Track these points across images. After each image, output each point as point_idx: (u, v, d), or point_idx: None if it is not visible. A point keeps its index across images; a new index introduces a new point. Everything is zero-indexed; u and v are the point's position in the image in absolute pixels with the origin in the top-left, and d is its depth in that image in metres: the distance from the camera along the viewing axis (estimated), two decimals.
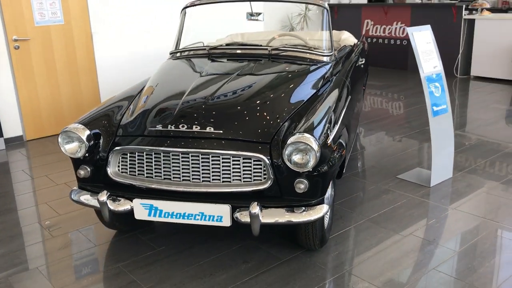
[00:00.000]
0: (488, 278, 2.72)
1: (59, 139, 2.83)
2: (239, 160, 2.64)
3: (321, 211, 2.63)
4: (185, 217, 2.70)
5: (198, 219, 2.69)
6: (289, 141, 2.51)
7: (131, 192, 2.80)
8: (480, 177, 4.11)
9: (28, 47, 5.38)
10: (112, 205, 2.76)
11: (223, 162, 2.66)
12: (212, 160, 2.66)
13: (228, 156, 2.64)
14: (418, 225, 3.34)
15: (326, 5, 3.74)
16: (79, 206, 3.78)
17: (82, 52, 5.78)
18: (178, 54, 3.93)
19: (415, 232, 3.24)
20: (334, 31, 4.83)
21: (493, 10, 8.88)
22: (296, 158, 2.51)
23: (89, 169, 2.86)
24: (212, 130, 2.68)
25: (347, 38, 4.81)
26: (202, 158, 2.67)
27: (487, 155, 4.64)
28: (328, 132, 2.68)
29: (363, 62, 4.42)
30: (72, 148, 2.82)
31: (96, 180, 2.89)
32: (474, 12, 8.52)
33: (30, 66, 5.43)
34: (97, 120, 2.94)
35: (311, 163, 2.48)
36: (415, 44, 3.80)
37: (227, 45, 3.82)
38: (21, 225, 3.53)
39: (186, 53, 3.89)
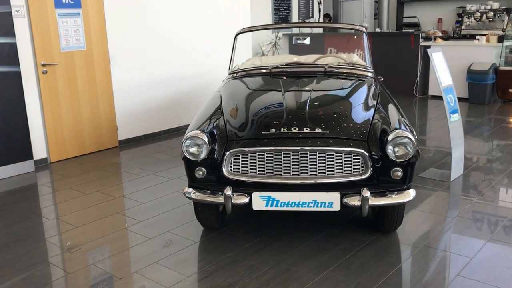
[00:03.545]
0: None
1: (185, 144, 3.22)
2: (341, 155, 3.18)
3: (412, 194, 3.22)
4: (299, 205, 3.18)
5: (311, 206, 3.17)
6: (390, 137, 3.10)
7: (241, 187, 3.24)
8: (484, 173, 4.92)
9: (54, 72, 5.58)
10: (233, 199, 3.18)
11: (328, 157, 3.18)
12: (319, 156, 3.17)
13: (332, 152, 3.17)
14: (459, 209, 4.03)
15: (364, 29, 4.43)
16: (157, 212, 4.13)
17: (101, 76, 6.05)
18: (235, 74, 4.42)
19: (461, 214, 3.93)
20: (346, 54, 5.53)
21: (443, 38, 10.12)
22: (399, 150, 3.10)
23: (204, 170, 3.27)
24: (320, 131, 3.21)
25: (358, 60, 5.53)
26: (310, 154, 3.17)
27: (477, 157, 5.50)
28: (411, 130, 3.30)
29: (382, 79, 5.14)
30: (195, 151, 3.22)
31: (208, 180, 3.29)
32: (427, 40, 9.69)
33: (56, 90, 5.62)
34: (210, 127, 3.36)
35: (411, 153, 3.08)
36: (434, 62, 4.57)
37: (286, 64, 4.37)
38: (110, 230, 3.80)
39: (243, 73, 4.41)
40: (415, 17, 12.33)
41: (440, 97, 9.12)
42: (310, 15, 11.91)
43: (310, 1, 11.89)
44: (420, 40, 9.34)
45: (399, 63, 9.45)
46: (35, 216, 4.18)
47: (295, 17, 11.48)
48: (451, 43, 9.23)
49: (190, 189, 3.35)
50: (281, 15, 11.08)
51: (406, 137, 3.09)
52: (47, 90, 5.55)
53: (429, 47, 9.24)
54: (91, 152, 6.11)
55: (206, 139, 3.21)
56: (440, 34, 9.48)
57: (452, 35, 11.60)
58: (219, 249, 3.45)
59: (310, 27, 4.35)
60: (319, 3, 12.11)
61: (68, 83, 5.73)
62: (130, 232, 3.78)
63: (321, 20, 12.25)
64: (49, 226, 3.96)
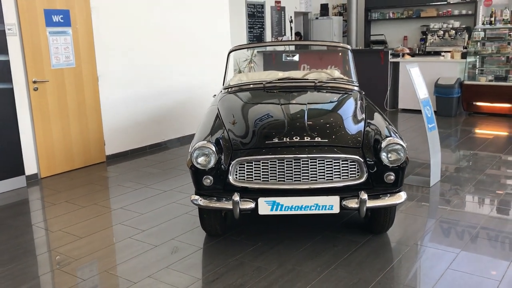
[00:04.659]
0: None
1: (194, 155, 3.42)
2: (339, 161, 3.45)
3: (403, 196, 3.52)
4: (302, 209, 3.42)
5: (313, 209, 3.42)
6: (383, 144, 3.39)
7: (246, 193, 3.46)
8: (459, 179, 5.31)
9: (45, 88, 5.68)
10: (240, 205, 3.40)
11: (326, 164, 3.45)
12: (319, 163, 3.43)
13: (331, 159, 3.44)
14: (441, 211, 4.36)
15: (349, 47, 4.76)
16: (158, 221, 4.29)
17: (89, 92, 6.17)
18: (229, 89, 4.67)
19: (443, 216, 4.26)
20: (330, 70, 5.86)
21: (410, 54, 10.67)
22: (391, 155, 3.40)
23: (212, 178, 3.47)
24: (319, 139, 3.48)
25: (340, 75, 5.86)
26: (310, 161, 3.43)
27: (450, 166, 5.91)
28: (400, 137, 3.61)
29: (363, 93, 5.48)
30: (203, 160, 3.42)
31: (215, 187, 3.50)
32: (395, 56, 10.21)
33: (46, 107, 5.72)
34: (215, 138, 3.58)
35: (403, 158, 3.39)
36: (412, 76, 4.94)
37: (279, 80, 4.64)
38: (116, 240, 3.93)
39: (236, 88, 4.66)
40: (382, 35, 12.92)
41: (409, 110, 9.70)
42: (283, 33, 12.31)
43: (282, 20, 12.30)
44: (389, 56, 9.84)
45: (370, 78, 9.88)
46: (37, 229, 4.26)
47: (268, 35, 11.85)
48: (419, 59, 9.77)
49: (197, 197, 3.55)
50: (255, 33, 11.43)
51: (398, 143, 3.39)
52: (38, 107, 5.64)
53: (398, 63, 9.77)
54: (80, 167, 6.19)
55: (214, 149, 3.43)
56: (407, 51, 10.02)
57: (417, 52, 12.23)
58: (225, 254, 3.64)
59: (301, 44, 4.68)
60: (291, 21, 12.54)
61: (58, 100, 5.83)
62: (135, 240, 3.93)
63: (293, 38, 12.67)
64: (53, 237, 4.05)
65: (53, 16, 5.67)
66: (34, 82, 5.57)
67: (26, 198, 5.14)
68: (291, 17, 12.60)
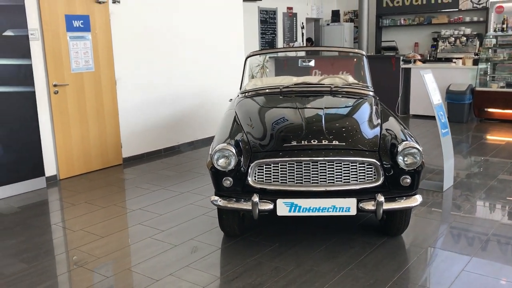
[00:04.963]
0: None
1: (215, 156, 3.52)
2: (356, 164, 3.53)
3: (419, 199, 3.59)
4: (320, 210, 3.50)
5: (330, 211, 3.50)
6: (400, 148, 3.47)
7: (264, 195, 3.54)
8: (471, 184, 5.36)
9: (65, 92, 5.82)
10: (259, 206, 3.48)
11: (344, 167, 3.53)
12: (336, 165, 3.52)
13: (348, 162, 3.53)
14: (455, 216, 4.42)
15: (364, 53, 4.85)
16: (176, 222, 4.39)
17: (107, 96, 6.30)
18: (246, 94, 4.77)
19: (457, 219, 4.32)
20: (344, 75, 5.94)
21: (421, 61, 10.73)
22: (408, 159, 3.47)
23: (231, 180, 3.57)
24: (337, 143, 3.56)
25: (353, 80, 5.95)
26: (328, 164, 3.52)
27: (462, 171, 5.96)
28: (416, 141, 3.69)
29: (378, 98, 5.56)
30: (223, 162, 3.52)
31: (235, 189, 3.59)
32: (407, 62, 10.28)
33: (66, 110, 5.85)
34: (235, 141, 3.67)
35: (419, 162, 3.46)
36: (426, 82, 5.01)
37: (295, 84, 4.74)
38: (136, 239, 4.04)
39: (253, 92, 4.76)
40: (393, 41, 12.99)
41: (420, 116, 9.74)
42: (294, 39, 12.42)
43: (294, 26, 12.42)
44: (401, 62, 9.91)
45: (381, 84, 9.92)
46: (58, 228, 4.38)
47: (280, 41, 11.96)
48: (430, 65, 9.83)
49: (217, 197, 3.64)
50: (267, 39, 11.55)
51: (414, 147, 3.47)
52: (58, 110, 5.77)
53: (409, 69, 9.83)
54: (97, 169, 6.31)
55: (234, 151, 3.52)
56: (419, 57, 10.09)
57: (428, 58, 12.28)
58: (243, 254, 3.73)
59: (316, 50, 4.77)
60: (302, 28, 12.65)
61: (77, 103, 5.96)
62: (155, 240, 4.03)
63: (304, 44, 12.77)
64: (75, 237, 4.16)
65: (73, 21, 5.81)
66: (55, 85, 5.71)
67: (46, 198, 5.26)
68: (302, 23, 12.71)
